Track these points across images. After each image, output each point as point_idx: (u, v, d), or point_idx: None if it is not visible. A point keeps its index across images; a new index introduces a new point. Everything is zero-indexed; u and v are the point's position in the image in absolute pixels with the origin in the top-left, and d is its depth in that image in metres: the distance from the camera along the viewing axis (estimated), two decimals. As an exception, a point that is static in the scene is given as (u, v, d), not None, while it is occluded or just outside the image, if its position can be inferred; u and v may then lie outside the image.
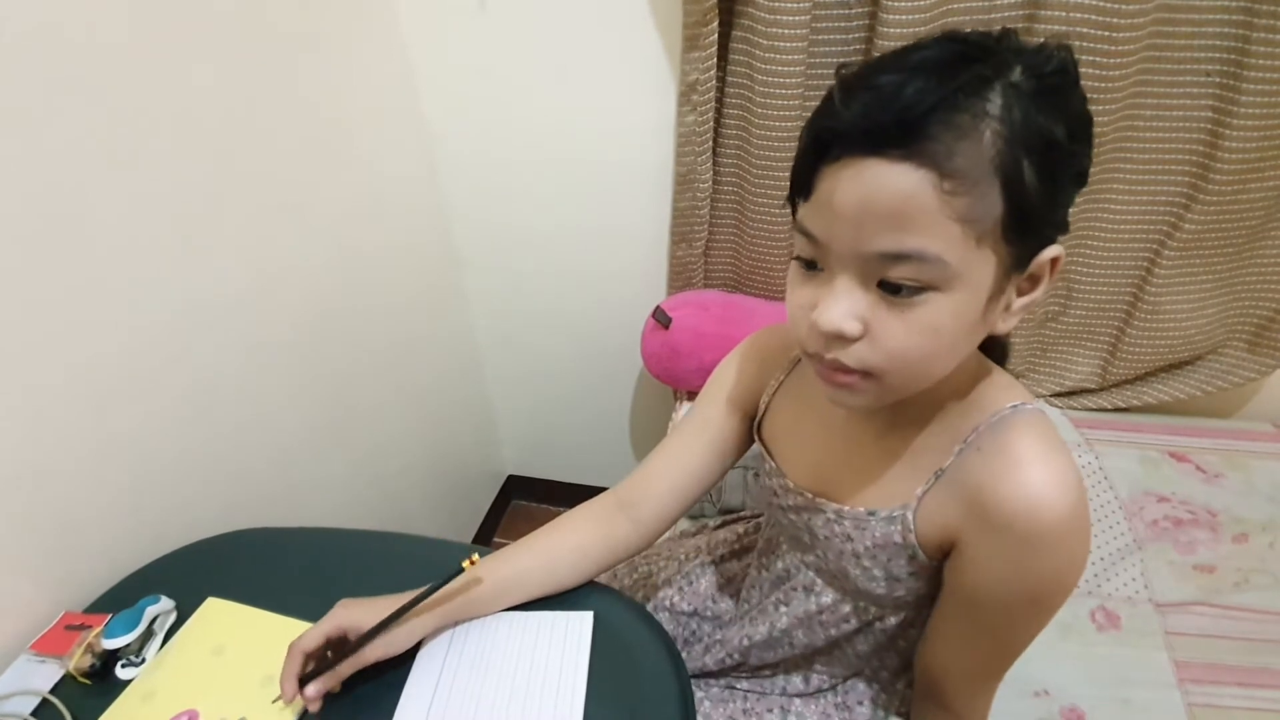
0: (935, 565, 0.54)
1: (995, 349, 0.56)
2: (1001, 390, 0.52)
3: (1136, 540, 1.00)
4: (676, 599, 0.77)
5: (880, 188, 0.40)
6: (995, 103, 0.39)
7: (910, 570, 0.55)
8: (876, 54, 0.91)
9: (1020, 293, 0.46)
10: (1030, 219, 0.41)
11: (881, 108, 0.40)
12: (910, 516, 0.53)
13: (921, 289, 0.42)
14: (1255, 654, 0.89)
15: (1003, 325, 0.46)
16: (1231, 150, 0.92)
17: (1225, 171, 0.94)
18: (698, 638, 0.74)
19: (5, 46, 0.60)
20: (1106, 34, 0.86)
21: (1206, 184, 0.96)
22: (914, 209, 0.40)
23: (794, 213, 0.46)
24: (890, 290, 0.42)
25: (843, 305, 0.43)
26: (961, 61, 0.40)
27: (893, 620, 0.60)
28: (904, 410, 0.53)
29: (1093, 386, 1.19)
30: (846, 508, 0.56)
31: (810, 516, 0.59)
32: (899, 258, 0.41)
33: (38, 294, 0.65)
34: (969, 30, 0.43)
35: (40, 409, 0.67)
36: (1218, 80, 0.91)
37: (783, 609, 0.64)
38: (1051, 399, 1.20)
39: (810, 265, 0.46)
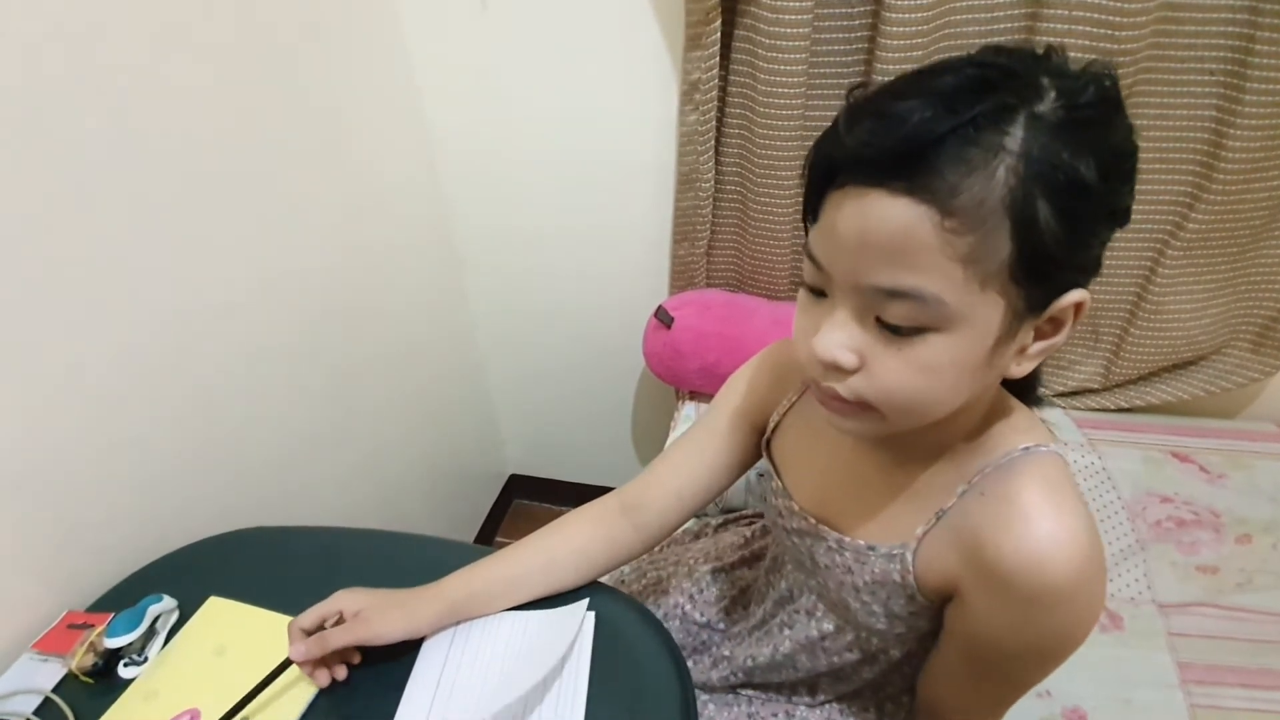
0: (936, 606, 0.52)
1: (1023, 386, 0.52)
2: (1017, 432, 0.49)
3: (1139, 541, 1.00)
4: (689, 608, 0.76)
5: (879, 220, 0.38)
6: (1015, 136, 0.36)
7: (910, 610, 0.53)
8: (879, 53, 0.91)
9: (1039, 336, 0.43)
10: (1045, 263, 0.39)
11: (884, 137, 0.38)
12: (909, 557, 0.51)
13: (920, 329, 0.40)
14: (1258, 655, 0.89)
15: (1017, 370, 0.44)
16: (1235, 150, 0.92)
17: (1229, 171, 0.94)
18: (706, 648, 0.74)
19: (6, 50, 0.60)
20: (1109, 33, 0.85)
21: (1210, 183, 0.96)
22: (912, 246, 0.38)
23: (806, 234, 0.45)
24: (887, 328, 0.41)
25: (839, 336, 0.42)
26: (981, 89, 0.37)
27: (896, 653, 0.59)
28: (913, 444, 0.51)
29: (1096, 387, 1.18)
30: (848, 538, 0.55)
31: (813, 542, 0.58)
32: (895, 294, 0.39)
33: (40, 296, 0.65)
34: (1010, 45, 0.41)
35: (43, 409, 0.67)
36: (1221, 79, 0.91)
37: (786, 631, 0.63)
38: (1054, 399, 1.20)
39: (817, 292, 0.44)
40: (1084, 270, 0.42)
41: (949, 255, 0.38)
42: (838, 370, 0.43)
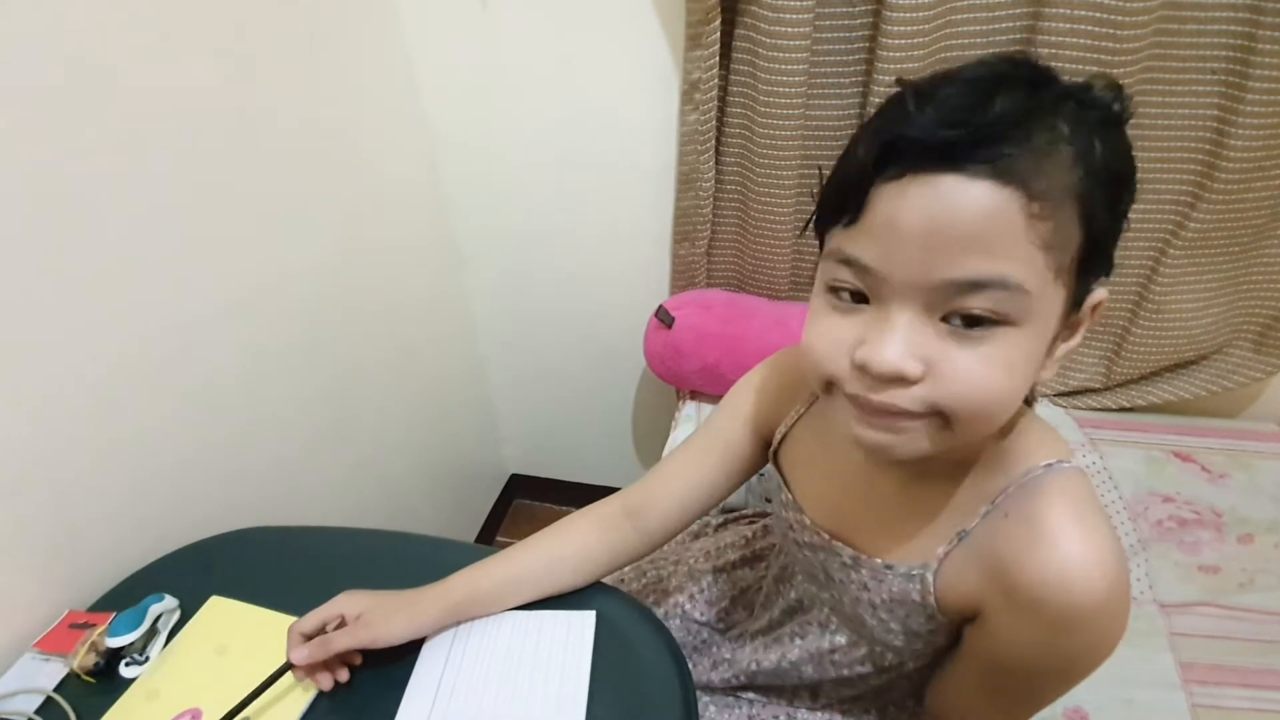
0: (956, 624, 0.52)
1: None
2: (1037, 445, 0.47)
3: (1141, 541, 1.00)
4: (689, 606, 0.76)
5: (958, 207, 0.36)
6: (1069, 126, 0.37)
7: (929, 628, 0.52)
8: (880, 53, 0.91)
9: (1061, 337, 0.43)
10: (1098, 253, 0.38)
11: (968, 115, 0.35)
12: (930, 577, 0.49)
13: (997, 322, 0.37)
14: (1260, 655, 0.89)
15: (1044, 373, 0.42)
16: (1237, 149, 0.92)
17: (1231, 170, 0.94)
18: (708, 646, 0.73)
19: (9, 54, 0.60)
20: (1111, 32, 0.85)
21: (1212, 183, 0.96)
22: (998, 231, 0.36)
23: (821, 240, 0.42)
24: (966, 323, 0.38)
25: (901, 344, 0.38)
26: (1039, 79, 0.37)
27: (910, 665, 0.58)
28: (932, 459, 0.48)
29: (1097, 386, 1.18)
30: (863, 556, 0.53)
31: (826, 557, 0.57)
32: (977, 286, 0.36)
33: (43, 297, 0.65)
34: (1014, 56, 0.40)
35: (45, 409, 0.67)
36: (1223, 79, 0.91)
37: (797, 640, 0.62)
38: (1055, 399, 1.20)
39: (856, 297, 0.41)
40: (1107, 269, 0.42)
41: (1033, 241, 0.36)
42: (901, 382, 0.39)
